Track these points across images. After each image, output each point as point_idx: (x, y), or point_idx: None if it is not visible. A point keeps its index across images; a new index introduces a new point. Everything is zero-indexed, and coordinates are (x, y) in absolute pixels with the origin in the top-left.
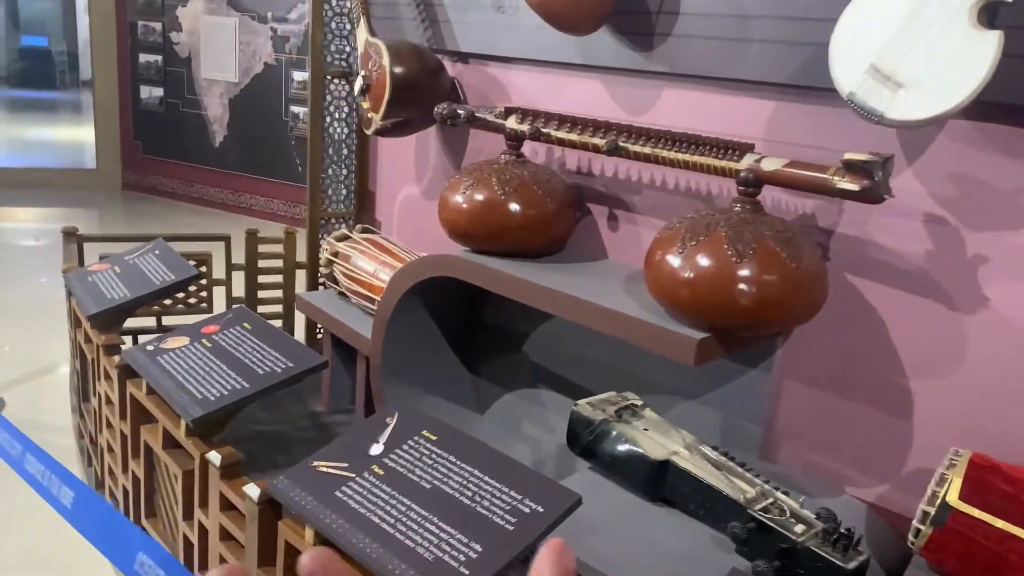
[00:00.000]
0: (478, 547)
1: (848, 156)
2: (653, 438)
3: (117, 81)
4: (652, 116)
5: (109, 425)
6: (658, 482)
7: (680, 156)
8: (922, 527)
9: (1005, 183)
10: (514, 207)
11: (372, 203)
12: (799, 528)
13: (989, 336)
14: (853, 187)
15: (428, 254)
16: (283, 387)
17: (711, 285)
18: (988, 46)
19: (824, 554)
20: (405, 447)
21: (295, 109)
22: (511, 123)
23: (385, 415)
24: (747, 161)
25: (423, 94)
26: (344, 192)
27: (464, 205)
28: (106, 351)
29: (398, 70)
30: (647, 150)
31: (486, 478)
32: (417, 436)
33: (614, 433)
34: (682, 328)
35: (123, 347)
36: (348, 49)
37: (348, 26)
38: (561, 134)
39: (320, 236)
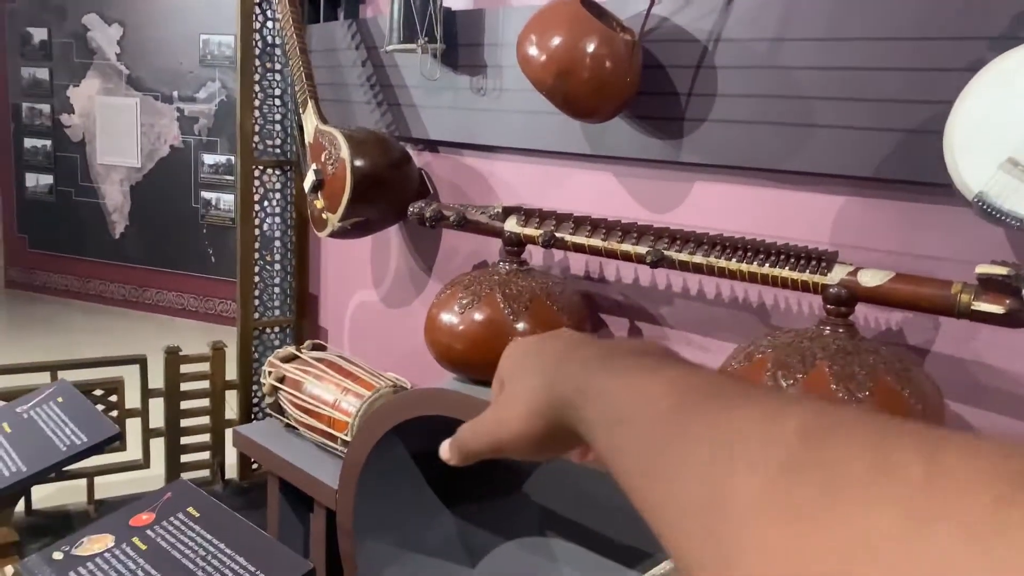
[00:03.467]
0: None
1: (983, 270)
2: None
3: None
4: (680, 214)
5: None
6: None
7: (745, 268)
8: None
9: None
10: (525, 329)
11: (315, 309)
12: None
13: None
14: (997, 309)
15: (413, 388)
16: None
17: None
18: None
19: None
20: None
21: (207, 195)
22: (511, 225)
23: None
24: (839, 274)
25: (388, 189)
26: (281, 297)
27: (460, 327)
28: None
29: (360, 163)
30: (700, 259)
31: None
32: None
33: None
34: None
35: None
36: (280, 135)
37: (283, 109)
38: (580, 239)
39: (254, 351)
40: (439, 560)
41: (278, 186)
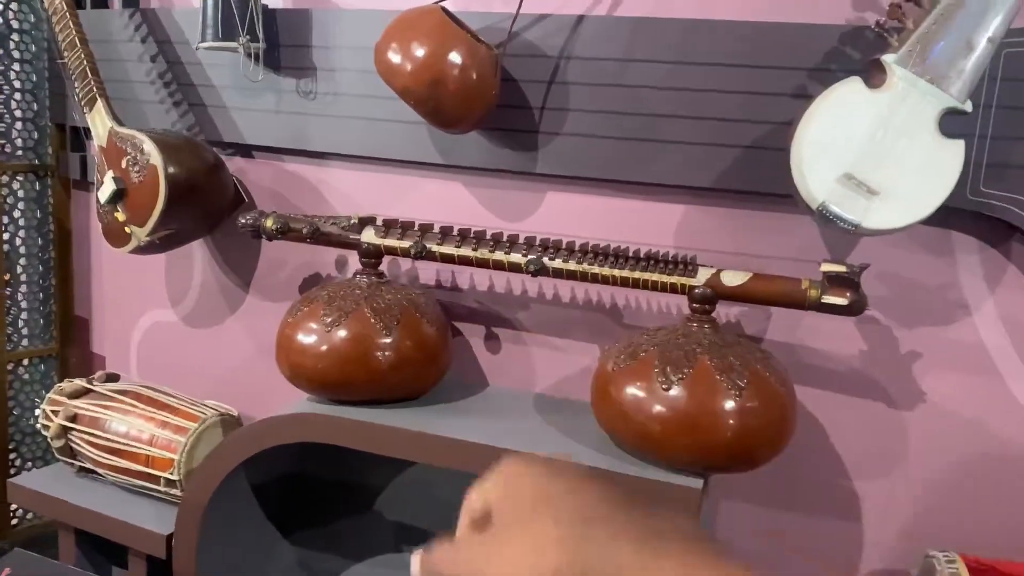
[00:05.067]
0: None
1: (827, 268)
2: None
3: None
4: (533, 223)
5: None
6: None
7: (619, 273)
8: None
9: (930, 279)
10: (401, 343)
11: (85, 335)
12: None
13: (929, 430)
14: (841, 301)
15: (242, 416)
16: None
17: (712, 424)
18: (954, 154)
19: None
20: None
21: None
22: (369, 236)
23: None
24: (703, 276)
25: (203, 198)
26: (40, 323)
27: (325, 346)
28: None
29: (174, 170)
30: (575, 267)
31: None
32: None
33: None
34: (678, 478)
35: None
36: (34, 135)
37: (35, 106)
38: (449, 250)
39: (9, 387)
40: None
41: (32, 195)
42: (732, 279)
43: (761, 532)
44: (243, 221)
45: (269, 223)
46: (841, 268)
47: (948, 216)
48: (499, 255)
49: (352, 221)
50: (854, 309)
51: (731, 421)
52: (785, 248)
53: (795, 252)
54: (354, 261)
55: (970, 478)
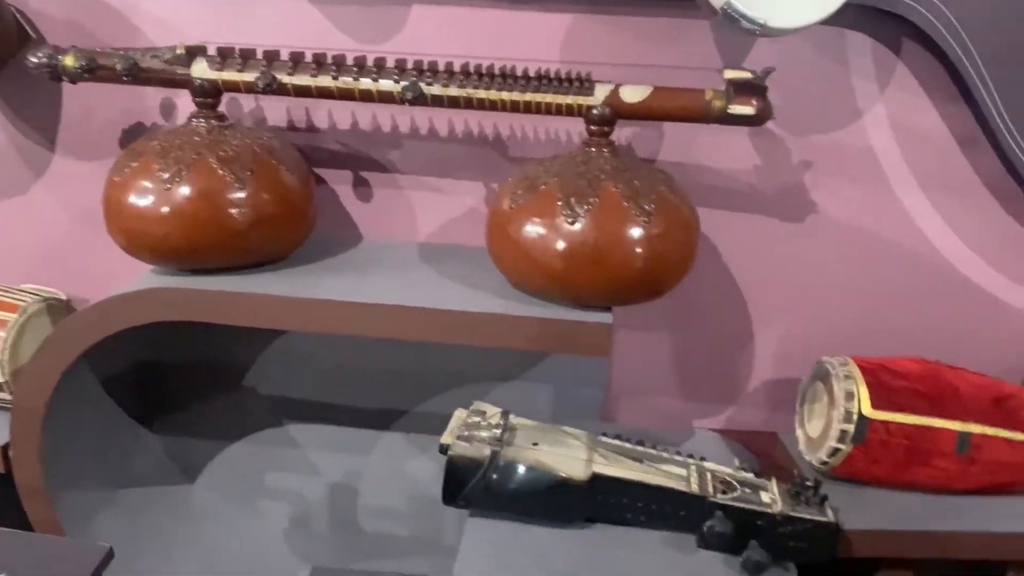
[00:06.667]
0: None
1: (731, 75)
2: (556, 453)
3: None
4: (398, 43)
5: None
6: (584, 502)
7: (507, 96)
8: (842, 446)
9: (822, 85)
10: (257, 197)
11: None
12: (766, 497)
13: (821, 241)
14: (748, 111)
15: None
16: None
17: (622, 255)
18: None
19: (810, 516)
20: None
21: None
22: (202, 71)
23: None
24: (602, 94)
25: None
26: None
27: (165, 209)
28: None
29: None
30: (457, 92)
31: None
32: None
33: (510, 464)
34: (587, 315)
35: None
36: None
37: None
38: (304, 81)
39: None
40: (152, 487)
41: None
42: (632, 95)
43: (660, 357)
44: (35, 60)
45: (69, 61)
46: (746, 74)
47: (843, 12)
48: (366, 83)
49: (178, 52)
50: (761, 118)
51: (640, 250)
52: (677, 57)
53: (686, 61)
54: (184, 104)
55: (859, 286)
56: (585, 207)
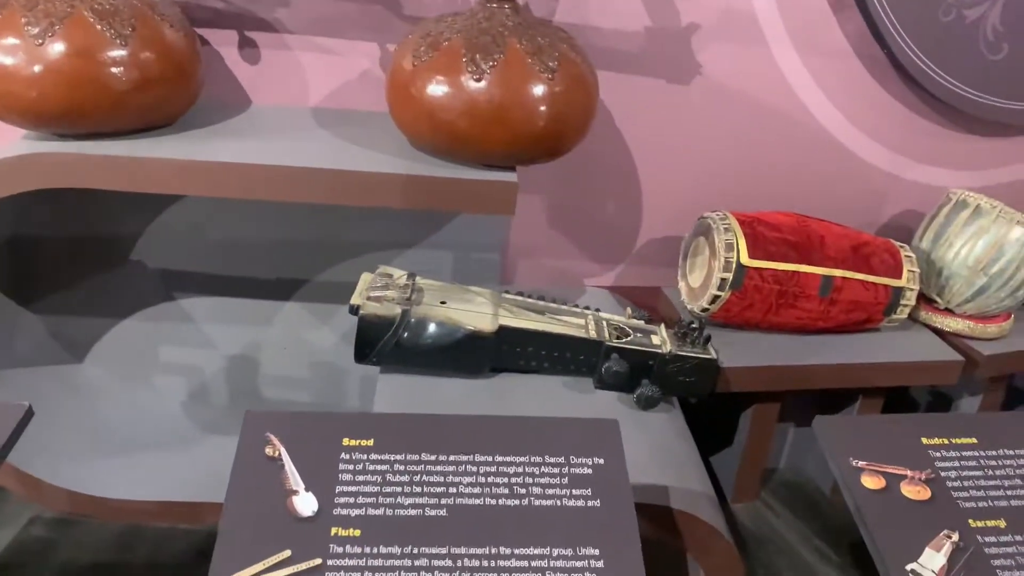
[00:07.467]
0: None
1: None
2: (464, 309)
3: None
4: None
5: None
6: (491, 353)
7: None
8: (721, 294)
9: None
10: (140, 54)
11: None
12: (656, 340)
13: (704, 102)
14: None
15: None
16: None
17: (527, 112)
18: None
19: (695, 354)
20: None
21: None
22: None
23: None
24: None
25: None
26: None
27: (37, 68)
28: None
29: None
30: None
31: None
32: None
33: (421, 321)
34: (492, 174)
35: None
36: None
37: None
38: None
39: None
40: (38, 368)
41: None
42: None
43: (553, 219)
44: None
45: None
46: None
47: None
48: None
49: None
50: None
51: (544, 108)
52: None
53: None
54: None
55: (738, 145)
56: (491, 63)
